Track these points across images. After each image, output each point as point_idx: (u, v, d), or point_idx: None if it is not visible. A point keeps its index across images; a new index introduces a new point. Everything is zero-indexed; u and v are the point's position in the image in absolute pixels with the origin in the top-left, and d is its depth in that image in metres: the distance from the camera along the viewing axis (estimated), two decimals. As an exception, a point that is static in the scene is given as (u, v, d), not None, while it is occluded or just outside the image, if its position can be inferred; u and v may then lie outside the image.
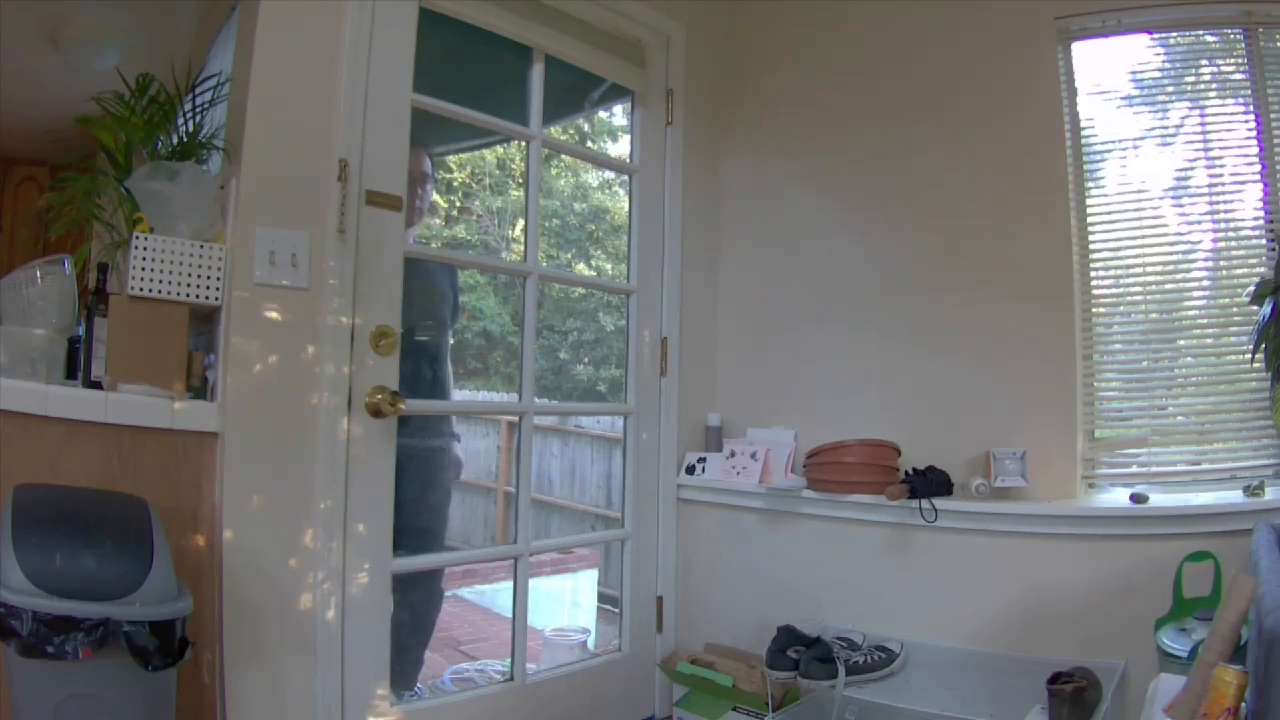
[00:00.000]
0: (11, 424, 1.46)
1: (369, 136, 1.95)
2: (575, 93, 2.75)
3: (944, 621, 2.18)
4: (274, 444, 1.78)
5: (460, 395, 8.96)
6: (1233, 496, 2.02)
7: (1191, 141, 2.29)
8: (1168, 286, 2.31)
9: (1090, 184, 2.33)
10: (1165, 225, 2.32)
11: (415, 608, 2.32)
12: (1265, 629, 1.01)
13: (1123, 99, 2.34)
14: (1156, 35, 2.33)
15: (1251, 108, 2.21)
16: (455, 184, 8.89)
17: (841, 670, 1.95)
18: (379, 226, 1.98)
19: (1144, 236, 2.30)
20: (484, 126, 2.36)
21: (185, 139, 1.83)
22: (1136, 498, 2.04)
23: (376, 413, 1.92)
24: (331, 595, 1.84)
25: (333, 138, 1.89)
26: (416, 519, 2.32)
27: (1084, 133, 2.32)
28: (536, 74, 2.41)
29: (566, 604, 4.76)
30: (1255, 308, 2.05)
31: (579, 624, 3.80)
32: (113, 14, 2.76)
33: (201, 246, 1.69)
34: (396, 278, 2.02)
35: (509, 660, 2.29)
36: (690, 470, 2.67)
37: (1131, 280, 2.32)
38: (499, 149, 8.80)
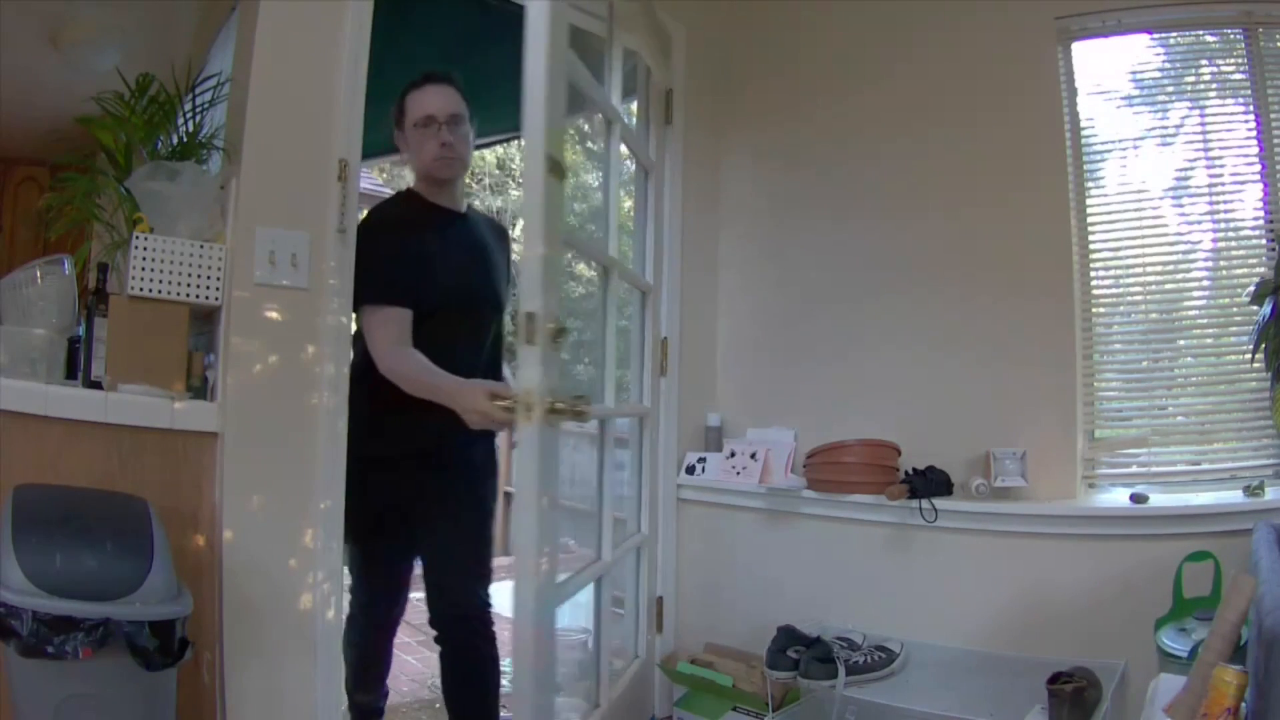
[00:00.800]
0: (11, 424, 1.46)
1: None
2: (576, 90, 2.73)
3: (944, 621, 2.18)
4: (274, 444, 1.77)
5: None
6: (1233, 496, 2.02)
7: (1191, 141, 2.30)
8: (1168, 286, 2.31)
9: (1090, 184, 2.33)
10: (1165, 225, 2.32)
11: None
12: (1265, 629, 1.01)
13: (1123, 99, 2.34)
14: (1156, 35, 2.33)
15: (1251, 108, 2.21)
16: (455, 184, 8.87)
17: (841, 670, 1.95)
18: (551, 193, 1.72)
19: (1144, 236, 2.30)
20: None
21: (185, 139, 1.83)
22: (1136, 498, 2.04)
23: (558, 416, 1.64)
24: (332, 595, 1.84)
25: (333, 138, 1.88)
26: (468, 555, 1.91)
27: (1084, 133, 2.32)
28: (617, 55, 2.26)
29: (567, 603, 4.75)
30: (1255, 308, 2.05)
31: (580, 624, 3.80)
32: (113, 14, 2.76)
33: (201, 246, 1.69)
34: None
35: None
36: (690, 470, 2.67)
37: (1131, 280, 2.32)
38: (499, 149, 8.80)
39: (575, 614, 4.67)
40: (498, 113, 2.37)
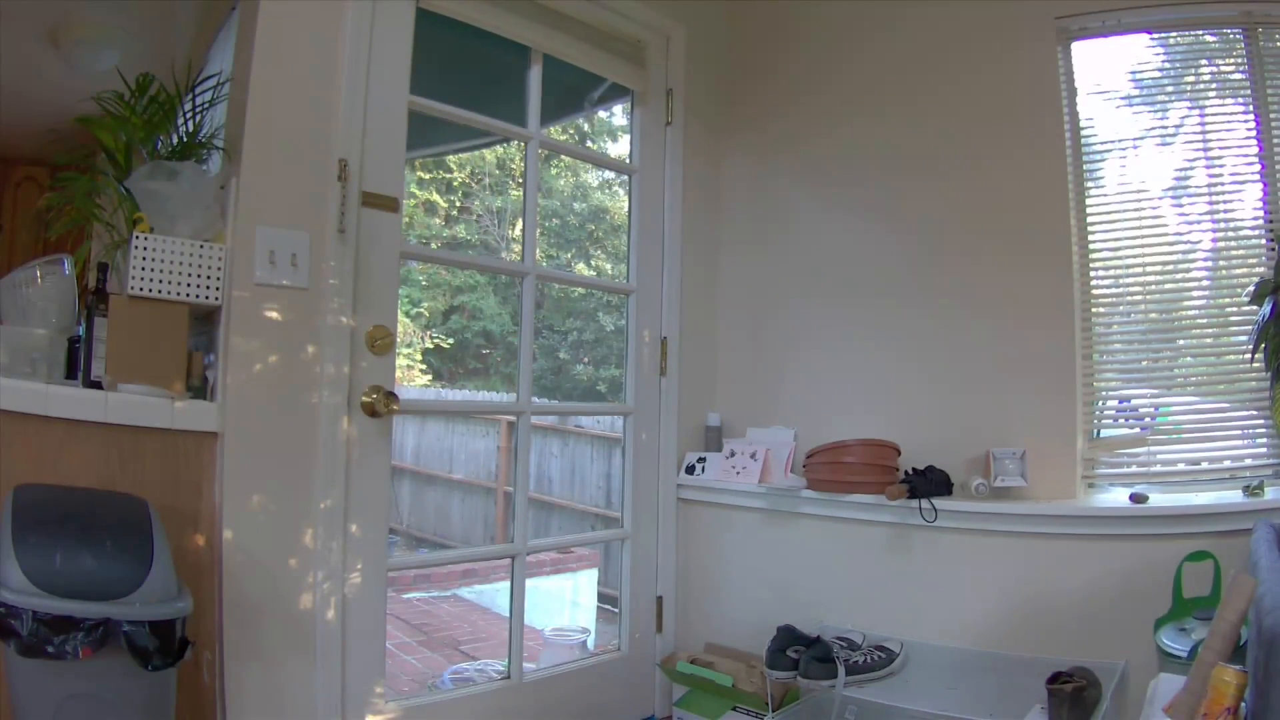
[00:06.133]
0: (11, 424, 1.46)
1: (366, 138, 1.95)
2: (575, 92, 2.75)
3: (944, 621, 2.18)
4: (274, 444, 1.78)
5: (459, 395, 8.95)
6: (1232, 496, 2.02)
7: (1191, 141, 2.29)
8: (1168, 286, 2.31)
9: (1090, 184, 2.33)
10: (1165, 225, 2.32)
11: None
12: (1265, 629, 1.01)
13: (1123, 99, 2.34)
14: (1156, 35, 2.33)
15: (1251, 108, 2.21)
16: (455, 184, 8.90)
17: (841, 670, 1.95)
18: (375, 227, 1.98)
19: (1144, 236, 2.30)
20: (481, 128, 2.36)
21: (185, 139, 1.83)
22: (1136, 498, 2.04)
23: (373, 413, 1.92)
24: (332, 595, 1.84)
25: (333, 138, 1.89)
26: None
27: (1084, 133, 2.32)
28: (535, 74, 2.41)
29: (566, 604, 4.78)
30: (1255, 308, 2.05)
31: (579, 624, 3.81)
32: (113, 14, 2.76)
33: (201, 246, 1.70)
34: (394, 277, 2.03)
35: (508, 660, 2.29)
36: (690, 470, 2.67)
37: (1131, 280, 2.32)
38: (499, 149, 8.83)
39: (574, 614, 4.69)
40: (495, 114, 2.37)
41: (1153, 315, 2.30)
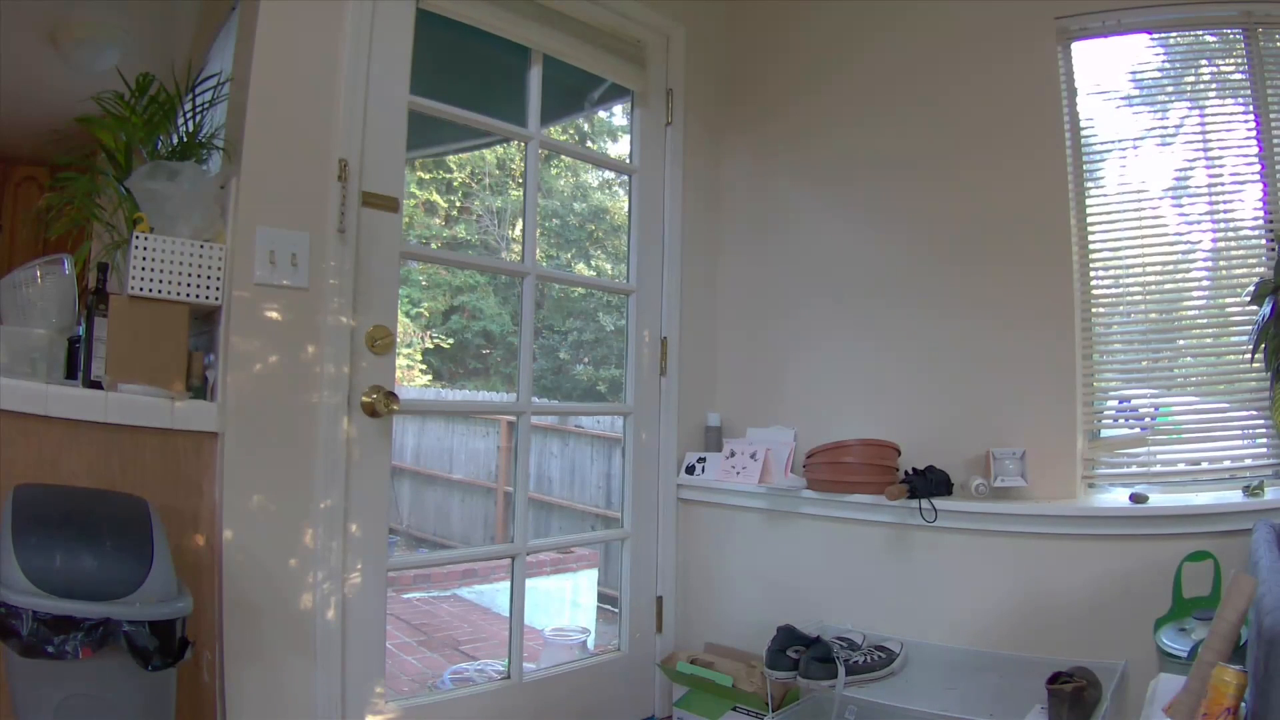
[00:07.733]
0: (12, 424, 1.46)
1: (366, 138, 1.96)
2: (575, 93, 2.76)
3: (944, 621, 2.18)
4: (274, 444, 1.78)
5: (459, 395, 8.94)
6: (1232, 496, 2.02)
7: (1191, 141, 2.30)
8: (1167, 286, 2.31)
9: (1090, 184, 2.33)
10: (1165, 225, 2.32)
11: None
12: (1265, 629, 1.01)
13: (1122, 99, 2.34)
14: (1156, 35, 2.33)
15: (1251, 108, 2.21)
16: (455, 184, 8.90)
17: (841, 670, 1.95)
18: (375, 227, 1.98)
19: (1144, 236, 2.30)
20: (482, 128, 2.36)
21: (185, 139, 1.83)
22: (1136, 498, 2.04)
23: (373, 413, 1.92)
24: (332, 595, 1.84)
25: (333, 138, 1.89)
26: None
27: (1084, 133, 2.32)
28: (535, 75, 2.41)
29: (566, 604, 4.78)
30: (1255, 308, 2.05)
31: (579, 624, 3.81)
32: (113, 14, 2.76)
33: (201, 246, 1.70)
34: (394, 278, 2.03)
35: (508, 660, 2.29)
36: (690, 470, 2.67)
37: (1131, 280, 2.32)
38: (499, 149, 8.84)
39: (574, 614, 4.69)
40: (495, 114, 2.38)
41: (1153, 315, 2.31)
